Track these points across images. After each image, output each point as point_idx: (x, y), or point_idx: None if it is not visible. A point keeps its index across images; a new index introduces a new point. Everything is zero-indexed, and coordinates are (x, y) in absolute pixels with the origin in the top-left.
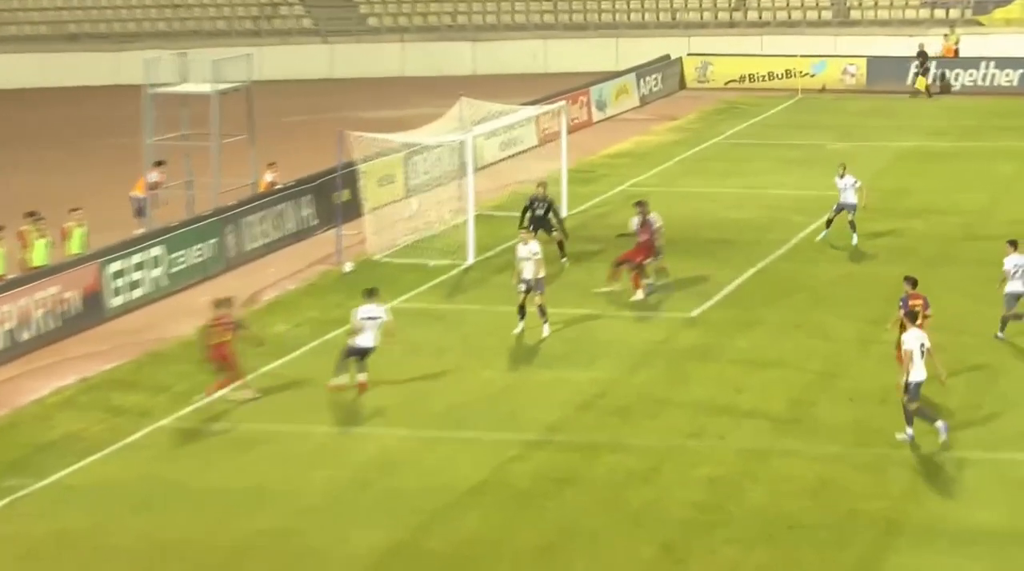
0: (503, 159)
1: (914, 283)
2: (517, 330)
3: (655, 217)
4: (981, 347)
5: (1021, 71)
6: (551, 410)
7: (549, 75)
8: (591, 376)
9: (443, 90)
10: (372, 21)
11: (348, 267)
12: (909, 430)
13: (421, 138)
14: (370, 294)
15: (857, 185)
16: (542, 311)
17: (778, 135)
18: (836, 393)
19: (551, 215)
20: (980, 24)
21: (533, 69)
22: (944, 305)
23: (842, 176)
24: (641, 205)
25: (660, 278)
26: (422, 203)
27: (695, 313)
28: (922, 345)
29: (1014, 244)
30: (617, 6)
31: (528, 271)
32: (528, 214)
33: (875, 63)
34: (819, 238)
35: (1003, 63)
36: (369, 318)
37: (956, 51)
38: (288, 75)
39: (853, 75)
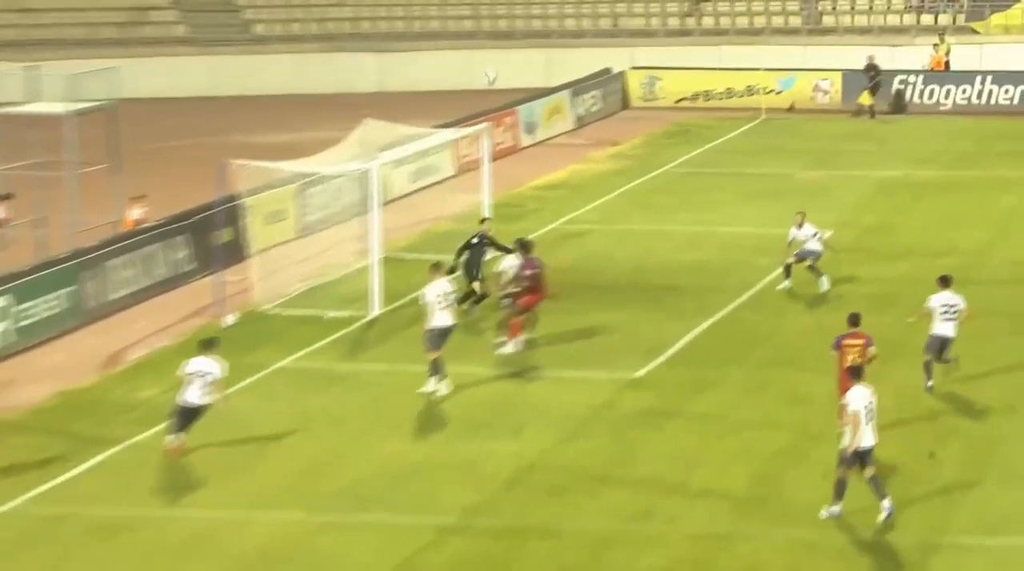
0: (415, 191)
1: (855, 320)
2: (429, 389)
3: (538, 260)
4: (981, 412)
5: (1023, 87)
6: (471, 489)
7: (469, 92)
8: (518, 448)
9: (344, 110)
10: (259, 29)
11: (230, 320)
12: (835, 508)
13: (317, 167)
14: (205, 346)
15: (820, 237)
16: (436, 367)
17: (738, 163)
18: (808, 466)
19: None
20: (975, 32)
21: (450, 85)
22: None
23: (800, 226)
24: (524, 246)
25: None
26: (319, 244)
27: (641, 372)
28: (868, 406)
29: (945, 281)
30: (549, 11)
31: (441, 317)
32: (465, 255)
33: (852, 78)
34: (780, 288)
35: (1001, 78)
36: (197, 373)
37: (947, 63)
38: (160, 92)
39: (826, 92)
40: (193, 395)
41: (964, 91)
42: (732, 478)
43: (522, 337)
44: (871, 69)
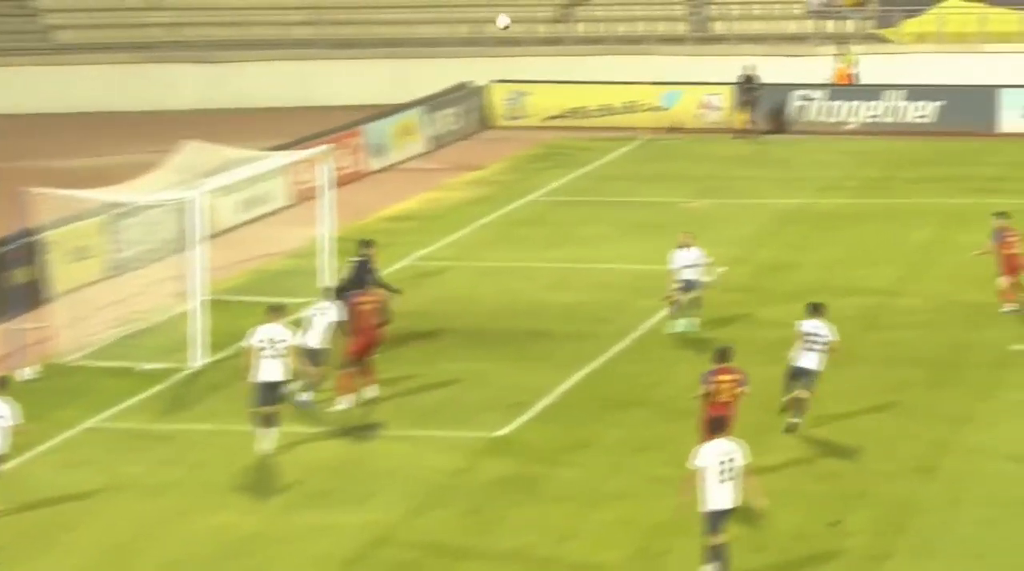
0: (244, 224)
1: (723, 355)
2: (264, 447)
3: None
4: (893, 474)
5: (939, 103)
6: (309, 567)
7: (308, 109)
8: (364, 519)
9: (161, 130)
10: (63, 36)
11: (27, 373)
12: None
13: (130, 196)
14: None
15: (707, 267)
16: (268, 420)
17: (616, 190)
18: (695, 539)
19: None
20: (884, 41)
21: (286, 101)
22: (842, 420)
23: (688, 248)
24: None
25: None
26: (132, 285)
27: (505, 431)
28: (726, 462)
29: (815, 309)
30: (399, 16)
31: (266, 369)
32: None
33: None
34: (673, 330)
35: (915, 93)
36: None
37: (853, 76)
38: None
39: (717, 109)
40: None
41: (873, 108)
42: (609, 552)
43: (355, 393)
44: (748, 82)
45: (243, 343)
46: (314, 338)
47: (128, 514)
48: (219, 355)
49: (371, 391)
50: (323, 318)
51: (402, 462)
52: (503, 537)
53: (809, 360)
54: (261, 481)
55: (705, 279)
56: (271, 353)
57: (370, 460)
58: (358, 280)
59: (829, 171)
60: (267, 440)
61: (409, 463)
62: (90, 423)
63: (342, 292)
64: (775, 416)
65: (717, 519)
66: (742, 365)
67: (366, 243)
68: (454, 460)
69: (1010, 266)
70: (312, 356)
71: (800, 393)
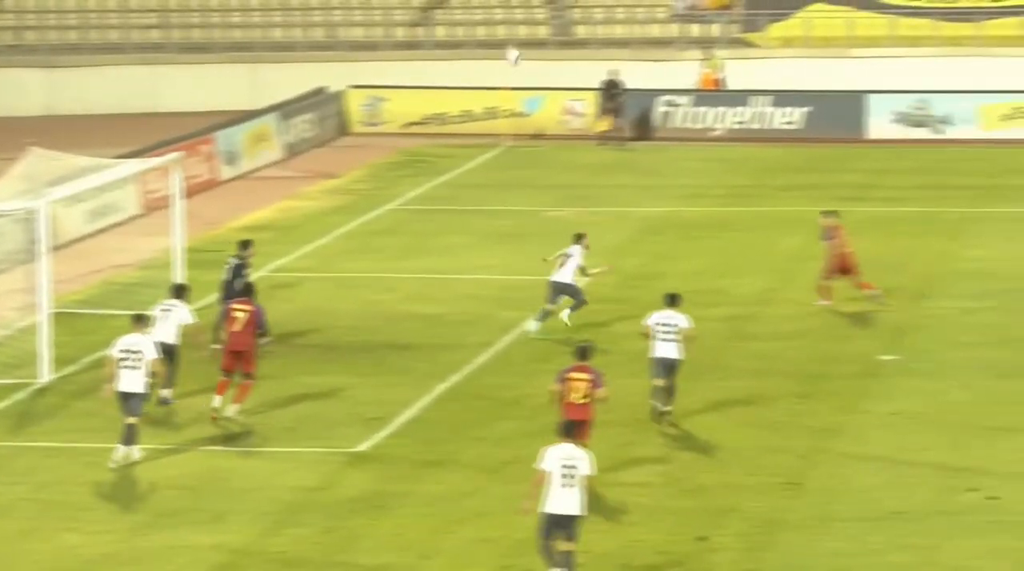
0: (92, 234)
1: (584, 353)
2: (116, 457)
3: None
4: (761, 488)
5: (805, 109)
6: None
7: (158, 115)
8: (217, 540)
9: (4, 137)
10: None
11: None
12: None
13: None
14: None
15: (581, 270)
16: (130, 434)
17: (478, 199)
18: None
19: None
20: (751, 45)
21: (135, 107)
22: (709, 433)
23: (586, 247)
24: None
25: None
26: None
27: (363, 447)
28: (568, 467)
29: (672, 299)
30: (252, 19)
31: (126, 379)
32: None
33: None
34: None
35: (782, 98)
36: None
37: (719, 81)
38: None
39: (580, 114)
40: None
41: (739, 114)
42: (470, 570)
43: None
44: (611, 87)
45: (108, 352)
46: (162, 335)
47: None
48: (67, 370)
49: (230, 409)
50: (169, 316)
51: (258, 480)
52: (360, 555)
53: (666, 349)
54: (110, 500)
55: (571, 281)
56: (130, 363)
57: (224, 478)
58: (230, 283)
59: (695, 179)
60: (125, 449)
61: (265, 481)
62: None
63: (223, 296)
64: (638, 431)
65: (553, 524)
66: (608, 372)
67: (244, 244)
68: (310, 477)
69: (842, 265)
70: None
71: (663, 382)
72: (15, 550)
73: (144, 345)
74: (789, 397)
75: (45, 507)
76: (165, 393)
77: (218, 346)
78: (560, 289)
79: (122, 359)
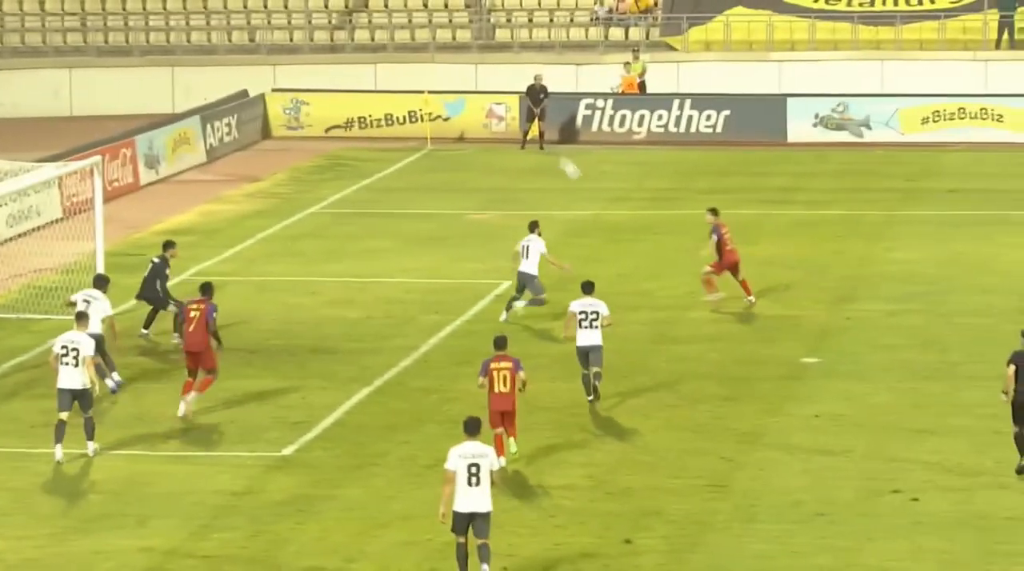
0: (11, 239)
1: (501, 343)
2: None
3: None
4: (686, 490)
5: (726, 112)
6: None
7: (77, 119)
8: (142, 544)
9: None
10: None
11: None
12: None
13: None
14: None
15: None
16: (89, 427)
17: (401, 202)
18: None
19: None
20: (671, 49)
21: (54, 111)
22: (633, 436)
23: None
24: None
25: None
26: None
27: (288, 451)
28: (474, 465)
29: (587, 286)
30: (172, 22)
31: (64, 376)
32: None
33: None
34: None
35: (702, 102)
36: None
37: (641, 85)
38: None
39: (502, 118)
40: None
41: (660, 117)
42: None
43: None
44: (538, 91)
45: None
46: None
47: None
48: None
49: (189, 396)
50: (92, 307)
51: (182, 484)
52: (288, 559)
53: (590, 337)
54: (32, 505)
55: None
56: (71, 360)
57: (149, 482)
58: (150, 282)
59: (617, 182)
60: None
61: (190, 485)
62: None
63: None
64: (562, 434)
65: (470, 522)
66: (532, 374)
67: (166, 245)
68: (235, 481)
69: (731, 262)
70: None
71: (591, 370)
72: None
73: (82, 342)
74: (713, 400)
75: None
76: (110, 383)
77: (177, 341)
78: (526, 280)
79: (63, 355)
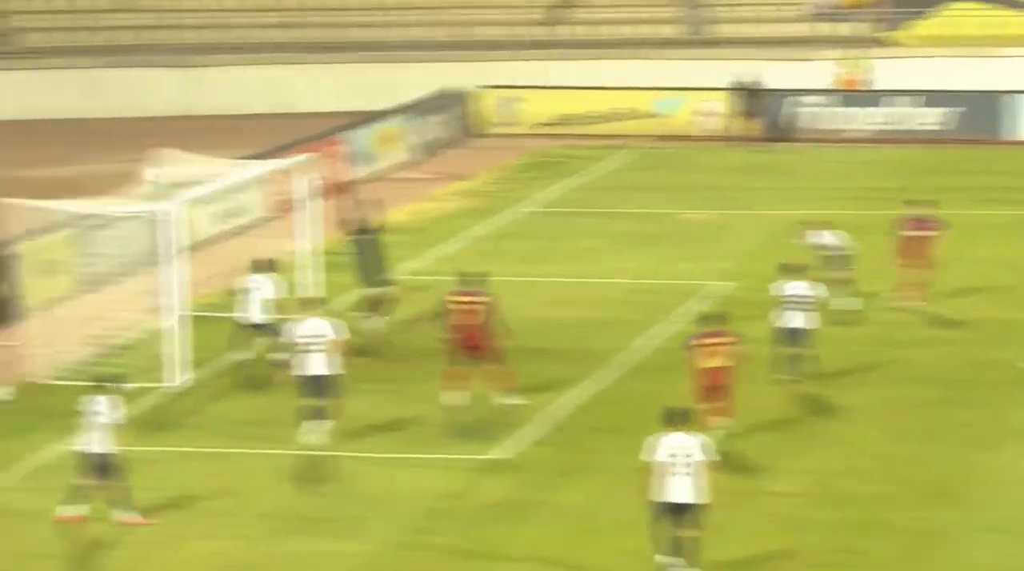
0: (220, 237)
1: (718, 320)
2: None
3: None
4: (911, 500)
5: (950, 110)
6: None
7: (287, 116)
8: (356, 548)
9: (135, 138)
10: (32, 39)
11: (2, 394)
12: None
13: (104, 207)
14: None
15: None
16: (318, 413)
17: (612, 201)
18: (710, 566)
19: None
20: (889, 44)
21: (264, 108)
22: (857, 444)
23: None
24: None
25: None
26: (106, 300)
27: (502, 453)
28: (678, 455)
29: (794, 269)
30: (387, 18)
31: (311, 363)
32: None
33: (744, 99)
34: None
35: (924, 99)
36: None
37: (860, 81)
38: None
39: (715, 115)
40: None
41: (879, 115)
42: None
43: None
44: (751, 87)
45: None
46: (254, 313)
47: (105, 541)
48: (198, 374)
49: (505, 397)
50: (258, 293)
51: (398, 486)
52: (501, 566)
53: (798, 320)
54: (245, 506)
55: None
56: (315, 348)
57: (363, 484)
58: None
59: (834, 181)
60: (314, 434)
61: (405, 487)
62: (65, 446)
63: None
64: (786, 437)
65: (675, 512)
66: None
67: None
68: (451, 483)
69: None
70: (257, 331)
71: (798, 352)
72: (148, 557)
73: (326, 328)
74: (937, 404)
75: (183, 513)
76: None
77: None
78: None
79: (307, 344)
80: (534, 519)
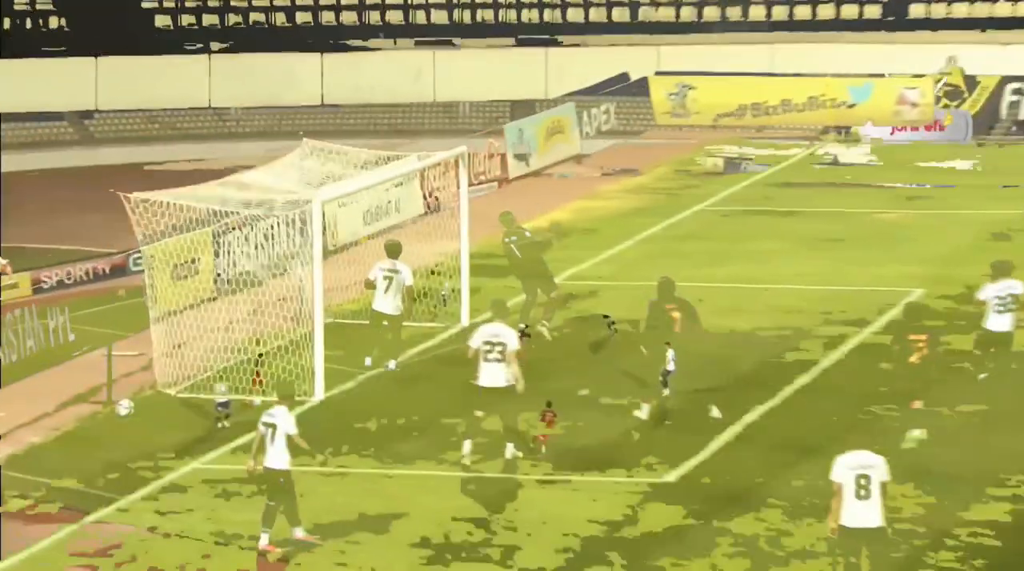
0: (368, 237)
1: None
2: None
3: None
4: None
5: None
6: None
7: (437, 105)
8: None
9: (270, 127)
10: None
11: (125, 408)
12: None
13: (241, 203)
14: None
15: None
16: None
17: (797, 199)
18: None
19: None
20: None
21: (414, 96)
22: None
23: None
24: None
25: None
26: (241, 306)
27: (672, 476)
28: (862, 474)
29: (1004, 268)
30: None
31: (487, 373)
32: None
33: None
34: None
35: None
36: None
37: None
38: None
39: (915, 105)
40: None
41: None
42: None
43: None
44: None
45: (469, 343)
46: (385, 303)
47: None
48: (341, 387)
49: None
50: (395, 281)
51: (553, 509)
52: None
53: (1002, 322)
54: (389, 531)
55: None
56: (492, 355)
57: (517, 506)
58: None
59: None
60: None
61: (561, 511)
62: (194, 464)
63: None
64: (984, 461)
65: (853, 539)
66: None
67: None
68: (612, 509)
69: None
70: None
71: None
72: None
73: (507, 335)
74: None
75: (326, 536)
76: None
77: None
78: None
79: (486, 351)
80: (703, 550)
